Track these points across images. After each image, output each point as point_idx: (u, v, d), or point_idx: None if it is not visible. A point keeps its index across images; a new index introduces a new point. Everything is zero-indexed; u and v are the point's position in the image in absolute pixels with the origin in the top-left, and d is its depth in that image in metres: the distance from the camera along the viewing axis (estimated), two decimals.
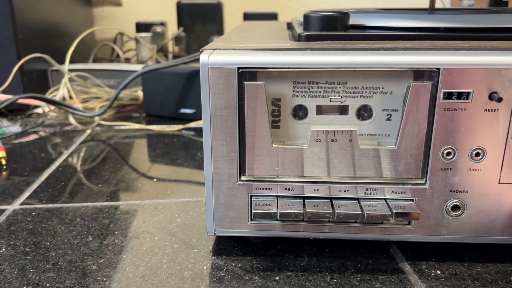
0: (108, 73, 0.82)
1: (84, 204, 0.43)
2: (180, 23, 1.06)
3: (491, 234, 0.32)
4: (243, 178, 0.32)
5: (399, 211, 0.30)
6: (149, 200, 0.43)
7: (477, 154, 0.30)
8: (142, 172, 0.51)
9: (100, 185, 0.47)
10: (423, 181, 0.31)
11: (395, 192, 0.31)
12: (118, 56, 1.01)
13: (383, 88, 0.30)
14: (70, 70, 0.76)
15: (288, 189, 0.32)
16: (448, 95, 0.29)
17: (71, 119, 0.68)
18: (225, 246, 0.35)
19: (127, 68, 0.81)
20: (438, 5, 1.01)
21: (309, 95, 0.31)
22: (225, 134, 0.31)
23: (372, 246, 0.35)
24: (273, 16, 1.07)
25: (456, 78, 0.29)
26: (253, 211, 0.31)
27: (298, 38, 0.35)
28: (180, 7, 1.05)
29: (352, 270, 0.32)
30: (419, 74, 0.29)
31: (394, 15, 0.38)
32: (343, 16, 0.36)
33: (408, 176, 0.31)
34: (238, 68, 0.29)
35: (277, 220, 0.32)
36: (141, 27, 1.09)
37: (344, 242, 0.35)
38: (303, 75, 0.30)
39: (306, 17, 0.36)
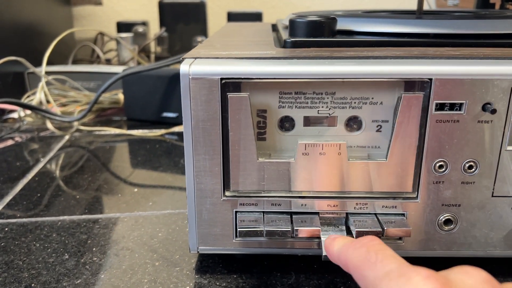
0: (87, 76, 0.79)
1: (61, 217, 0.41)
2: (162, 23, 1.04)
3: (485, 248, 0.31)
4: (227, 193, 0.30)
5: (390, 227, 0.29)
6: (130, 212, 0.42)
7: (470, 167, 0.29)
8: (122, 181, 0.49)
9: (78, 196, 0.45)
10: (414, 195, 0.30)
11: (386, 207, 0.30)
12: (98, 57, 0.98)
13: (372, 98, 0.29)
14: (48, 73, 0.73)
15: (275, 204, 0.30)
16: (441, 106, 0.28)
17: (49, 124, 0.66)
18: (209, 263, 0.33)
19: (107, 70, 0.78)
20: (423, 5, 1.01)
21: (296, 106, 0.29)
22: (208, 148, 0.29)
23: None
24: (257, 16, 1.05)
25: (449, 88, 0.27)
26: (238, 229, 0.29)
27: (284, 44, 0.34)
28: (162, 7, 1.03)
29: (341, 287, 0.31)
30: (410, 84, 0.28)
31: (383, 20, 0.36)
32: (330, 21, 0.35)
33: (399, 190, 0.30)
34: (221, 79, 0.28)
35: (265, 237, 0.31)
36: (123, 27, 1.06)
37: None
38: (289, 86, 0.29)
39: (292, 22, 0.35)
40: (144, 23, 1.07)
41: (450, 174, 0.29)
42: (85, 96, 0.74)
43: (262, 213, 0.30)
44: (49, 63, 0.79)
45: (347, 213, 0.30)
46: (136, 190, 0.47)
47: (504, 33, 0.34)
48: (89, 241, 0.37)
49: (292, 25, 0.35)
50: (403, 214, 0.30)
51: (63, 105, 0.74)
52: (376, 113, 0.29)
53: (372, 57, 0.29)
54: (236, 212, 0.30)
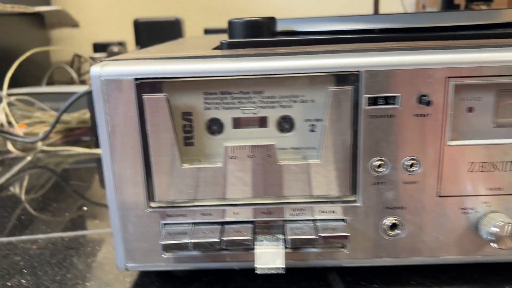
0: (56, 96, 0.77)
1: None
2: (138, 42, 1.03)
3: (435, 254, 0.28)
4: (152, 204, 0.28)
5: (327, 234, 0.26)
6: (72, 232, 0.39)
7: (411, 165, 0.27)
8: (73, 200, 0.46)
9: (24, 216, 0.43)
10: (354, 198, 0.27)
11: (324, 212, 0.28)
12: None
13: (303, 96, 0.27)
14: (10, 95, 0.72)
15: (205, 214, 0.28)
16: (374, 101, 0.26)
17: (10, 146, 0.64)
18: (144, 282, 0.31)
19: (74, 90, 0.77)
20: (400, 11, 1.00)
21: (223, 107, 0.27)
22: (127, 155, 0.27)
23: (309, 272, 0.31)
24: None
25: (380, 81, 0.25)
26: (161, 242, 0.27)
27: (220, 46, 0.32)
28: (137, 25, 1.02)
29: None
30: (339, 79, 0.26)
31: (324, 19, 0.35)
32: (268, 21, 0.33)
33: (336, 193, 0.27)
34: (136, 79, 0.26)
35: (193, 251, 0.28)
36: (99, 47, 1.05)
37: None
38: (214, 85, 0.27)
39: (230, 24, 0.34)
40: (121, 43, 1.06)
41: (391, 174, 0.27)
42: (51, 116, 0.72)
43: (192, 225, 0.28)
44: (20, 85, 0.77)
45: (284, 221, 0.28)
46: (85, 208, 0.44)
47: (447, 26, 0.32)
48: (21, 263, 0.34)
49: (231, 27, 0.34)
50: (344, 220, 0.28)
51: (30, 125, 0.72)
52: (308, 111, 0.27)
53: (300, 53, 0.27)
54: (164, 224, 0.28)
